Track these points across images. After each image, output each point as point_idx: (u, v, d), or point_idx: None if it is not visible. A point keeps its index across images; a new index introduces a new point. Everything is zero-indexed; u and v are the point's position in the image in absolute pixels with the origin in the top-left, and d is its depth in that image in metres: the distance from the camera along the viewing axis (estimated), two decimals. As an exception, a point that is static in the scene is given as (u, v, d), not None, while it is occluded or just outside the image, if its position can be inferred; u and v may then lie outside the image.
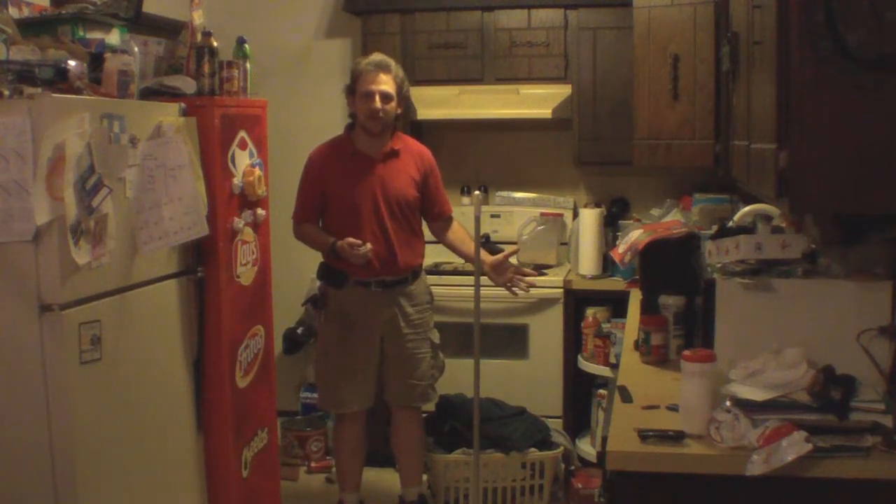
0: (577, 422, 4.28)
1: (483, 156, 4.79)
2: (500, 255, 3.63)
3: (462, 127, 4.69)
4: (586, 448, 4.16)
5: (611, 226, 4.39)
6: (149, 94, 3.07)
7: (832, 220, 2.35)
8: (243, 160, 3.34)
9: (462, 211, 4.25)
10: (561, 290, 4.19)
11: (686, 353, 2.10)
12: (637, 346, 2.76)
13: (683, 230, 2.87)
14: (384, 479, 4.18)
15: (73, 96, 2.61)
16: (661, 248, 2.81)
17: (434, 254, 4.15)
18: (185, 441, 3.15)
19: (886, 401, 2.00)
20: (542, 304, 4.19)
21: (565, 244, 4.50)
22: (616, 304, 4.02)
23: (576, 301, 4.21)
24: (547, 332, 4.21)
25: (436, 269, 4.32)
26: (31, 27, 2.96)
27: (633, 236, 2.94)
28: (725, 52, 2.73)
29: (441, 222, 3.74)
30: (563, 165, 4.57)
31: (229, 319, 3.25)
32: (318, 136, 3.79)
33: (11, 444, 2.54)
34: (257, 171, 3.36)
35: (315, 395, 4.04)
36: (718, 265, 2.39)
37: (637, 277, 3.36)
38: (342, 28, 4.77)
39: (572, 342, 4.20)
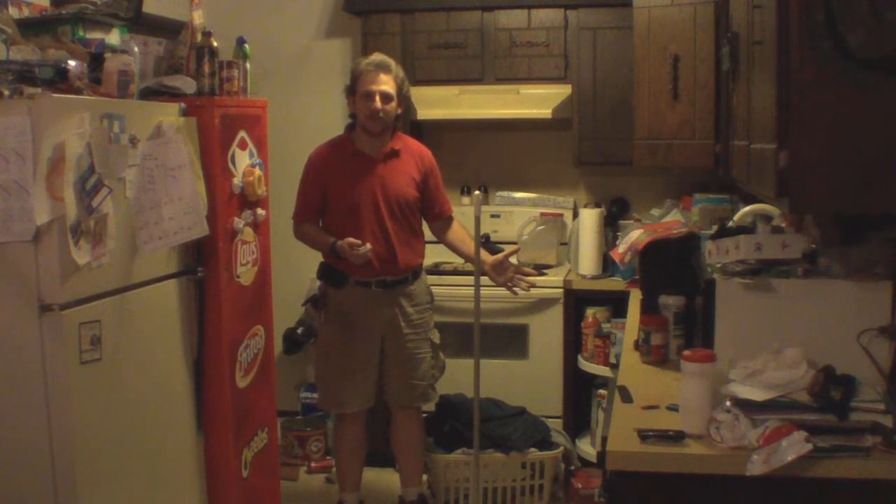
0: (577, 422, 4.28)
1: (483, 156, 4.79)
2: (500, 255, 3.64)
3: (462, 127, 4.69)
4: (586, 448, 4.16)
5: (611, 226, 4.39)
6: (149, 94, 3.07)
7: (832, 220, 2.35)
8: (243, 160, 3.34)
9: (462, 211, 4.25)
10: (561, 290, 4.19)
11: (686, 353, 2.10)
12: (637, 346, 2.76)
13: (683, 230, 2.87)
14: (384, 479, 4.18)
15: (73, 96, 2.61)
16: (661, 248, 2.81)
17: (434, 254, 4.15)
18: (185, 441, 3.15)
19: (886, 401, 2.00)
20: (542, 304, 4.19)
21: (565, 244, 4.50)
22: (616, 304, 4.02)
23: (576, 301, 4.20)
24: (547, 332, 4.21)
25: (436, 269, 4.32)
26: (31, 27, 2.97)
27: (633, 236, 2.94)
28: (725, 52, 2.73)
29: (441, 222, 3.74)
30: (562, 165, 4.57)
31: (229, 319, 3.25)
32: (318, 136, 3.80)
33: (11, 444, 2.54)
34: (257, 171, 3.36)
35: (315, 395, 4.05)
36: (718, 265, 2.39)
37: (637, 277, 3.36)
38: (342, 28, 4.77)
39: (572, 342, 4.20)
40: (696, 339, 2.59)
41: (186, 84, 3.12)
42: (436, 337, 3.72)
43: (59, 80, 2.60)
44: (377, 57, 3.56)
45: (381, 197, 3.50)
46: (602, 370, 3.99)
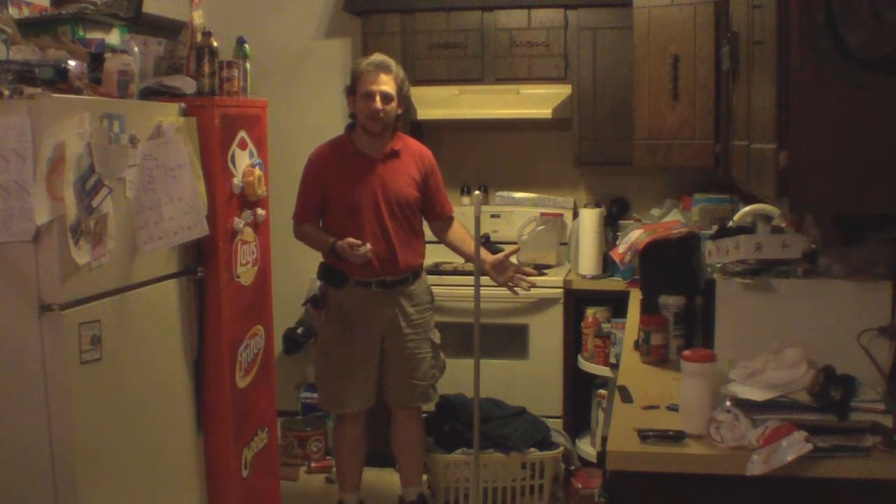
0: (577, 422, 4.28)
1: (483, 156, 4.79)
2: (500, 255, 3.63)
3: (462, 127, 4.69)
4: (586, 448, 4.16)
5: (611, 226, 4.39)
6: (149, 94, 3.07)
7: (832, 220, 2.35)
8: (243, 160, 3.34)
9: (462, 211, 4.25)
10: (561, 290, 4.19)
11: (686, 353, 2.10)
12: (637, 346, 2.76)
13: (683, 230, 2.87)
14: (384, 479, 4.18)
15: (73, 96, 2.61)
16: (661, 248, 2.81)
17: (434, 254, 4.14)
18: (185, 441, 3.15)
19: (886, 401, 2.00)
20: (542, 304, 4.19)
21: (565, 244, 4.50)
22: (616, 304, 4.02)
23: (576, 301, 4.20)
24: (547, 332, 4.21)
25: (436, 269, 4.32)
26: (31, 27, 2.97)
27: (633, 236, 2.94)
28: (725, 52, 2.73)
29: (442, 222, 3.74)
30: (562, 165, 4.57)
31: (229, 319, 3.25)
32: (318, 136, 3.80)
33: (11, 444, 2.54)
34: (257, 171, 3.36)
35: (315, 395, 4.05)
36: (718, 265, 2.39)
37: (637, 277, 3.36)
38: (342, 28, 4.77)
39: (572, 342, 4.20)
40: (696, 339, 2.59)
41: (186, 84, 3.12)
42: (436, 337, 3.72)
43: (59, 80, 2.60)
44: (377, 57, 3.56)
45: (381, 197, 3.50)
46: (602, 370, 3.99)
